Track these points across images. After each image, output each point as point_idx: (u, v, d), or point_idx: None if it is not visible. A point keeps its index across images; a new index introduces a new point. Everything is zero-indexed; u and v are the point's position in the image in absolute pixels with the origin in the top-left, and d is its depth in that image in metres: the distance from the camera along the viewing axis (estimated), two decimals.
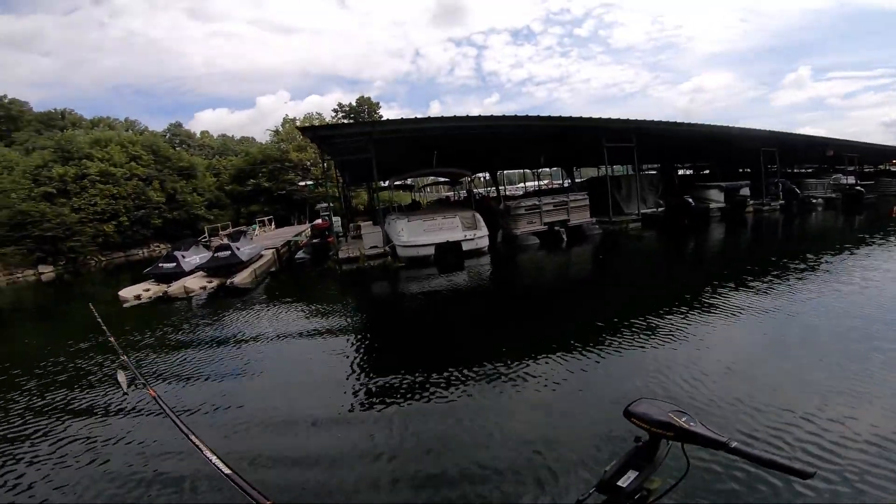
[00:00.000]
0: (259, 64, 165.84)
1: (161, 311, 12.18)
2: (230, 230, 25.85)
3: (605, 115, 17.43)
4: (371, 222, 19.80)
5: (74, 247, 29.33)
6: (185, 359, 7.55)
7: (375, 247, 15.34)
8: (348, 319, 9.59)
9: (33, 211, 27.72)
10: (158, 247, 34.72)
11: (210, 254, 15.96)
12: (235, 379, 6.52)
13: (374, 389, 5.65)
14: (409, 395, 5.31)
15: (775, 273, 9.57)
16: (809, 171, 36.02)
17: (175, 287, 13.96)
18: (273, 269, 17.69)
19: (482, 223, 15.37)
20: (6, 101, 50.72)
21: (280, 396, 5.72)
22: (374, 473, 3.82)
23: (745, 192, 24.01)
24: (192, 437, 1.78)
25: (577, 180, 27.50)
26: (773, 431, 3.78)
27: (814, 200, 25.97)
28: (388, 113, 65.05)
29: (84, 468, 4.14)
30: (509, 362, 5.93)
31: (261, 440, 4.53)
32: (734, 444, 0.87)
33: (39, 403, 5.92)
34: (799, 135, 27.34)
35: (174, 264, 15.19)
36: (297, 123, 48.00)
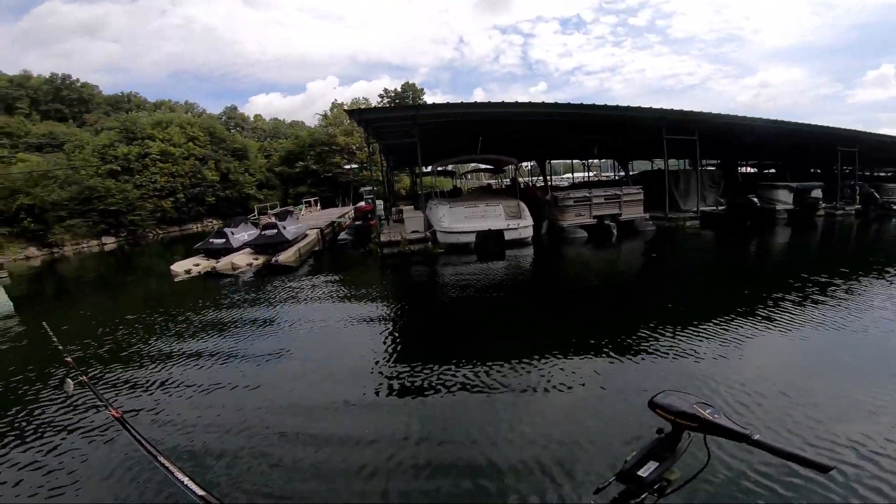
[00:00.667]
0: (310, 51, 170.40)
1: (209, 286, 12.59)
2: (278, 210, 26.54)
3: (662, 107, 16.31)
4: (413, 207, 19.68)
5: (135, 220, 31.24)
6: (225, 334, 7.78)
7: (416, 231, 15.16)
8: (385, 303, 9.53)
9: (100, 187, 29.66)
10: (211, 223, 36.41)
11: (258, 232, 16.35)
12: (270, 353, 6.66)
13: (405, 372, 5.63)
14: (439, 380, 5.27)
15: (846, 285, 8.51)
16: (890, 174, 32.62)
17: (223, 263, 14.39)
18: (317, 249, 17.95)
19: (527, 213, 14.84)
20: (78, 84, 54.54)
21: (313, 374, 5.80)
22: (402, 454, 3.84)
23: (817, 194, 21.92)
24: (161, 459, 1.62)
25: (630, 173, 26.19)
26: (837, 465, 3.26)
27: (895, 206, 23.43)
28: (431, 99, 65.01)
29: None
30: (542, 356, 5.70)
31: (288, 416, 4.65)
32: (756, 437, 0.87)
33: None
34: (885, 135, 24.64)
35: (224, 240, 15.66)
36: (345, 108, 48.68)
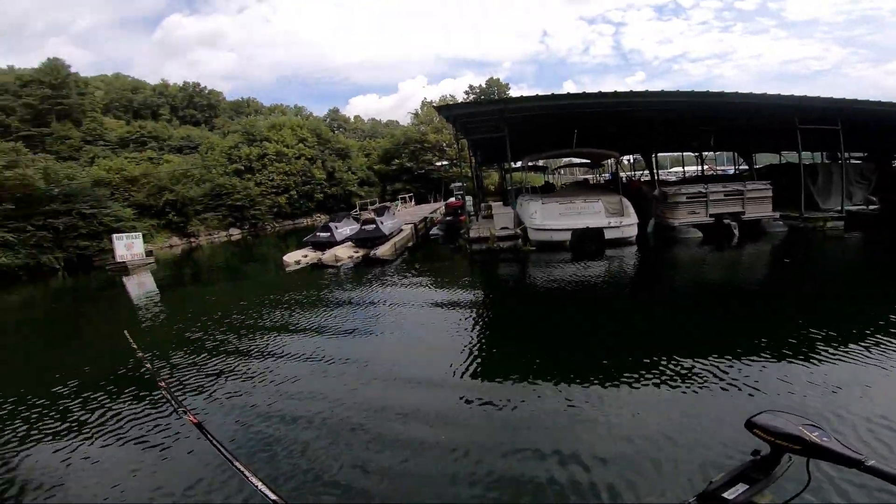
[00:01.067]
0: (400, 52, 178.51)
1: (314, 276, 13.64)
2: (376, 206, 27.95)
3: (793, 93, 13.97)
4: (502, 203, 19.43)
5: (256, 214, 35.15)
6: (328, 318, 8.50)
7: (506, 228, 14.90)
8: (469, 298, 9.51)
9: (227, 184, 33.78)
10: (319, 217, 39.54)
11: (358, 226, 17.34)
12: (367, 337, 7.39)
13: (488, 366, 5.71)
14: (519, 380, 5.17)
15: None
16: None
17: (328, 255, 15.48)
18: (411, 244, 18.55)
19: (631, 210, 13.77)
20: (206, 91, 62.52)
21: (401, 358, 6.28)
22: (480, 452, 3.79)
23: None
24: (237, 464, 1.73)
25: (755, 166, 23.03)
26: None
27: None
28: (517, 94, 63.57)
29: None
30: (633, 363, 5.27)
31: (379, 395, 5.10)
32: (871, 463, 0.81)
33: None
34: None
35: (328, 234, 16.88)
36: (433, 105, 49.78)
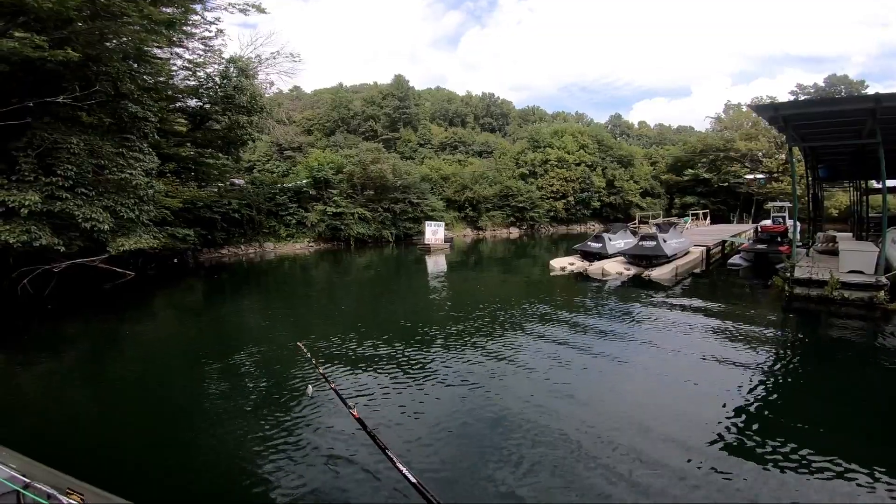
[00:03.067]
0: (692, 50, 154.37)
1: (576, 286, 13.29)
2: (660, 220, 25.23)
3: None
4: (852, 235, 13.97)
5: (534, 216, 37.70)
6: (569, 333, 8.24)
7: (859, 272, 10.57)
8: (772, 359, 7.01)
9: (513, 187, 37.37)
10: (593, 226, 39.16)
11: (635, 241, 15.86)
12: (612, 364, 6.75)
13: (749, 445, 4.46)
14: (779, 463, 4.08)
15: None
16: None
17: (594, 267, 14.80)
18: (697, 270, 15.72)
19: None
20: (499, 101, 70.28)
21: (644, 402, 5.56)
22: None
23: None
24: (389, 452, 2.27)
25: None
26: None
27: None
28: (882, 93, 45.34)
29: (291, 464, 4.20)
30: None
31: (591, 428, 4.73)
32: None
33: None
34: None
35: (600, 245, 16.10)
36: (748, 105, 41.22)
